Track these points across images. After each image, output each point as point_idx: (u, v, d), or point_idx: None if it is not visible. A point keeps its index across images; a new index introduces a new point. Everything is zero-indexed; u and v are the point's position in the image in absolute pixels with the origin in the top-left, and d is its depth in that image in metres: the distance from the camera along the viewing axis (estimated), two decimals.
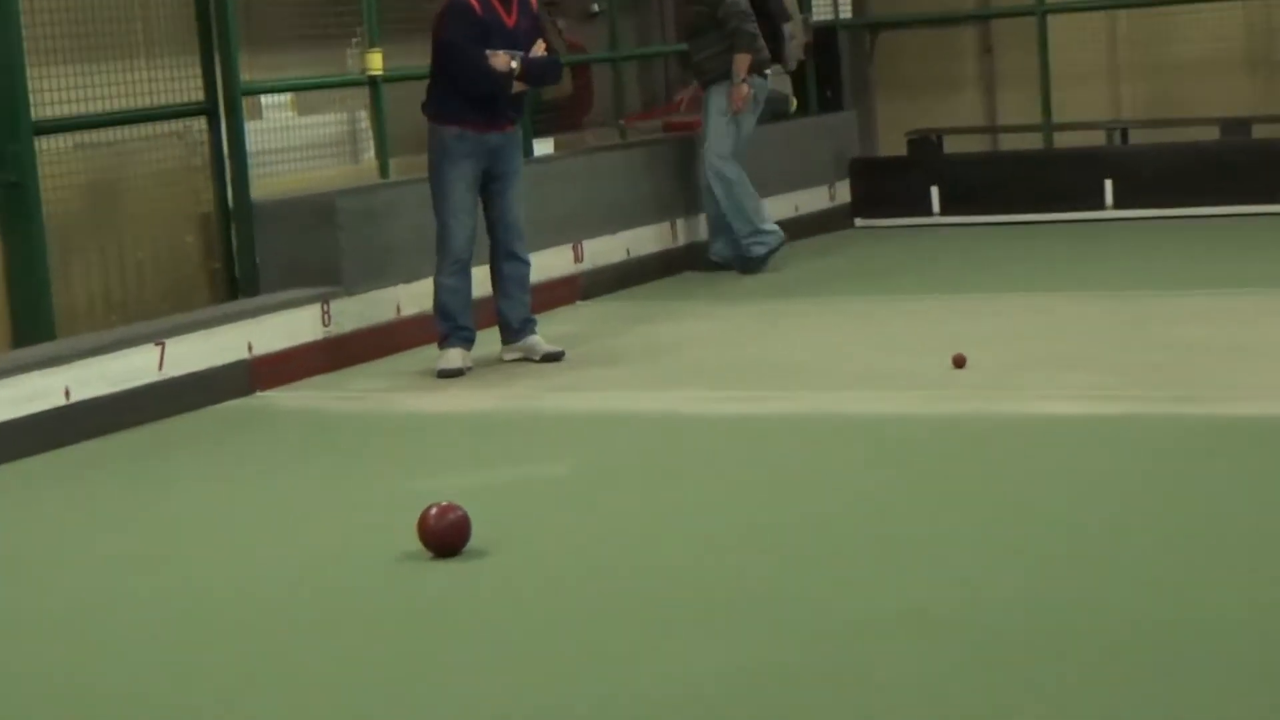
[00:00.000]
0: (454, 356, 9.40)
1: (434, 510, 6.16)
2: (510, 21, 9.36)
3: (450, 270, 9.46)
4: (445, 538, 6.14)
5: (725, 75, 12.06)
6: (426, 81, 9.68)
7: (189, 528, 6.96)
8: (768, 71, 12.45)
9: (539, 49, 9.40)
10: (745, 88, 12.06)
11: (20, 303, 9.06)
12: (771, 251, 12.10)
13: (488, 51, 9.25)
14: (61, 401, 8.45)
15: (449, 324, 9.50)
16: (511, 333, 9.61)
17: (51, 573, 6.40)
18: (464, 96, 9.37)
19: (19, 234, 8.98)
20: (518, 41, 9.33)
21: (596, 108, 13.54)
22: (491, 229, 9.56)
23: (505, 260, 9.59)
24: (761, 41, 12.28)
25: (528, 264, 9.68)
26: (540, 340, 9.58)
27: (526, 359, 9.54)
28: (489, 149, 9.41)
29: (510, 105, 9.49)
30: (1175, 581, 5.40)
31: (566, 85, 13.15)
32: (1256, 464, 6.67)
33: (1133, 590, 5.32)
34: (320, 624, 5.60)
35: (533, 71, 9.37)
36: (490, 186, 9.48)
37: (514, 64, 9.25)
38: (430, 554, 6.11)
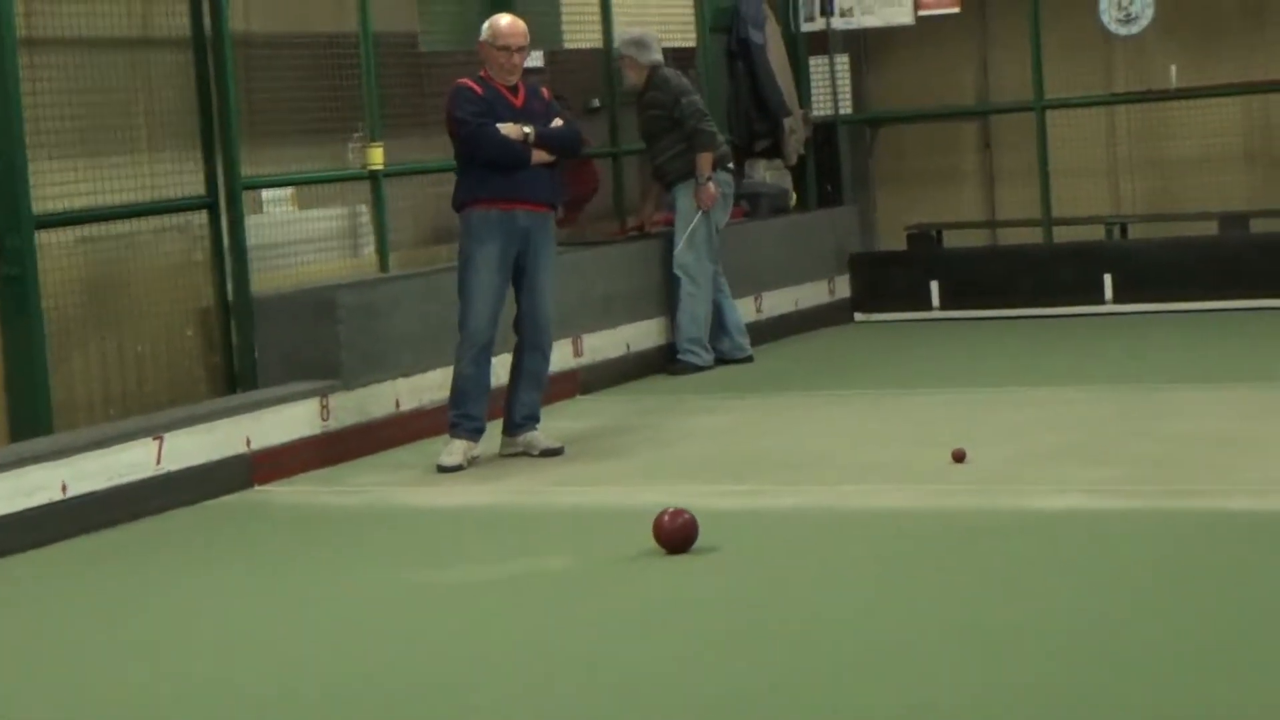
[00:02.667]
0: (457, 450, 9.40)
1: (666, 516, 7.29)
2: (518, 103, 9.45)
3: (468, 356, 9.46)
4: (677, 536, 7.27)
5: (688, 175, 12.15)
6: (453, 177, 9.80)
7: (186, 622, 6.92)
8: (730, 166, 12.56)
9: (556, 124, 9.49)
10: (711, 186, 12.13)
11: (18, 396, 9.04)
12: (697, 369, 12.13)
13: (498, 125, 9.34)
14: (59, 496, 8.40)
15: (457, 412, 9.48)
16: (512, 426, 9.61)
17: (49, 666, 6.36)
18: (488, 173, 9.41)
19: (18, 327, 8.98)
20: (531, 120, 9.43)
21: (600, 202, 13.54)
22: (519, 321, 9.60)
23: (528, 353, 9.63)
24: (721, 138, 12.45)
25: (548, 361, 9.74)
26: (540, 435, 9.57)
27: (525, 454, 9.53)
28: (518, 229, 9.43)
29: (538, 183, 9.51)
30: (1181, 678, 5.37)
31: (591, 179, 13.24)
32: (1256, 559, 6.66)
33: (1140, 687, 5.29)
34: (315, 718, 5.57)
35: (549, 139, 9.40)
36: (520, 278, 9.51)
37: (526, 130, 9.32)
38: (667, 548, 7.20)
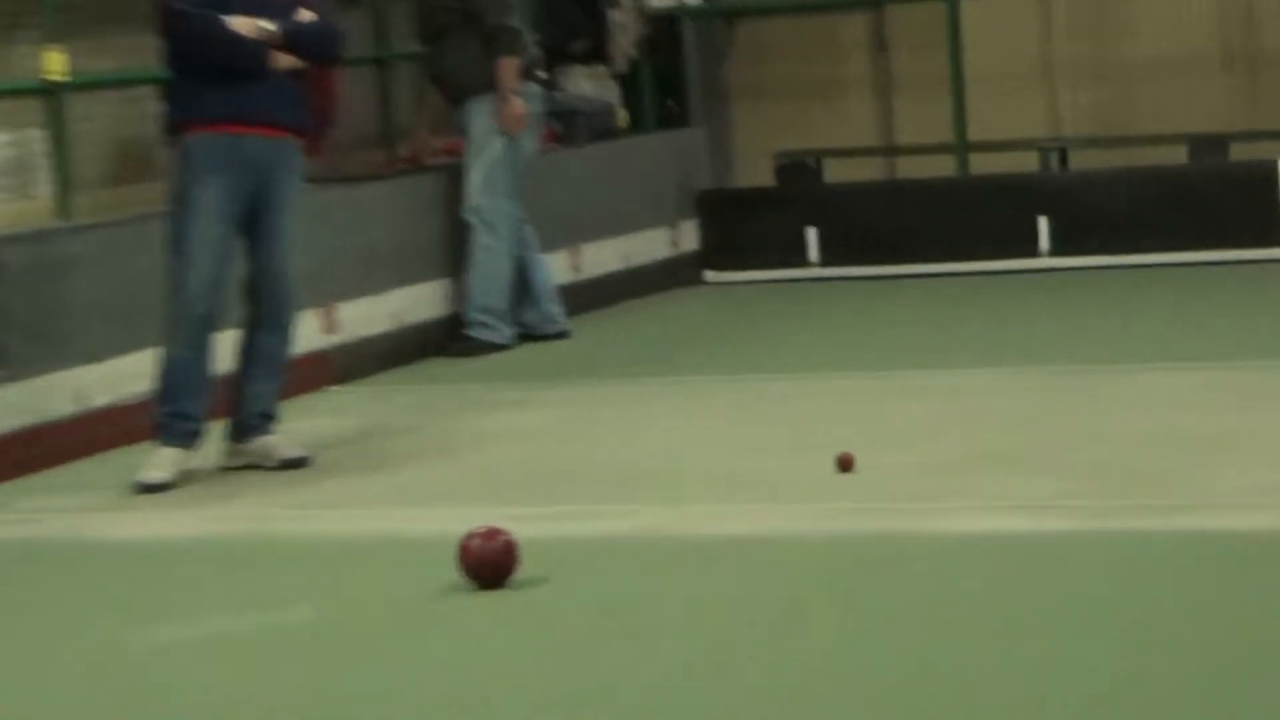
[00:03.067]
0: (164, 460, 9.44)
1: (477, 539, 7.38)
2: None
3: (181, 334, 9.51)
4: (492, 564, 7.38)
5: (486, 88, 12.27)
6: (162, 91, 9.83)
7: None
8: (540, 74, 12.76)
9: (304, 17, 9.54)
10: (518, 102, 12.27)
11: None
12: (494, 348, 12.31)
13: (228, 18, 9.38)
14: None
15: (167, 409, 9.52)
16: (241, 430, 9.65)
17: None
18: (212, 85, 9.42)
19: None
20: (270, 12, 9.47)
21: (361, 125, 13.52)
22: (252, 284, 9.61)
23: (265, 329, 9.65)
24: (529, 40, 12.60)
25: (289, 341, 9.77)
26: (279, 441, 9.64)
27: (259, 465, 9.57)
28: (250, 159, 9.48)
29: (281, 99, 9.56)
30: None
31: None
32: (1243, 591, 6.71)
33: None
34: None
35: (298, 38, 9.46)
36: (254, 227, 9.52)
37: (269, 27, 9.36)
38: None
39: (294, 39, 9.40)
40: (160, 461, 9.40)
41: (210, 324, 9.51)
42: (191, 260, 9.42)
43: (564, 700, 6.31)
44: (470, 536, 7.48)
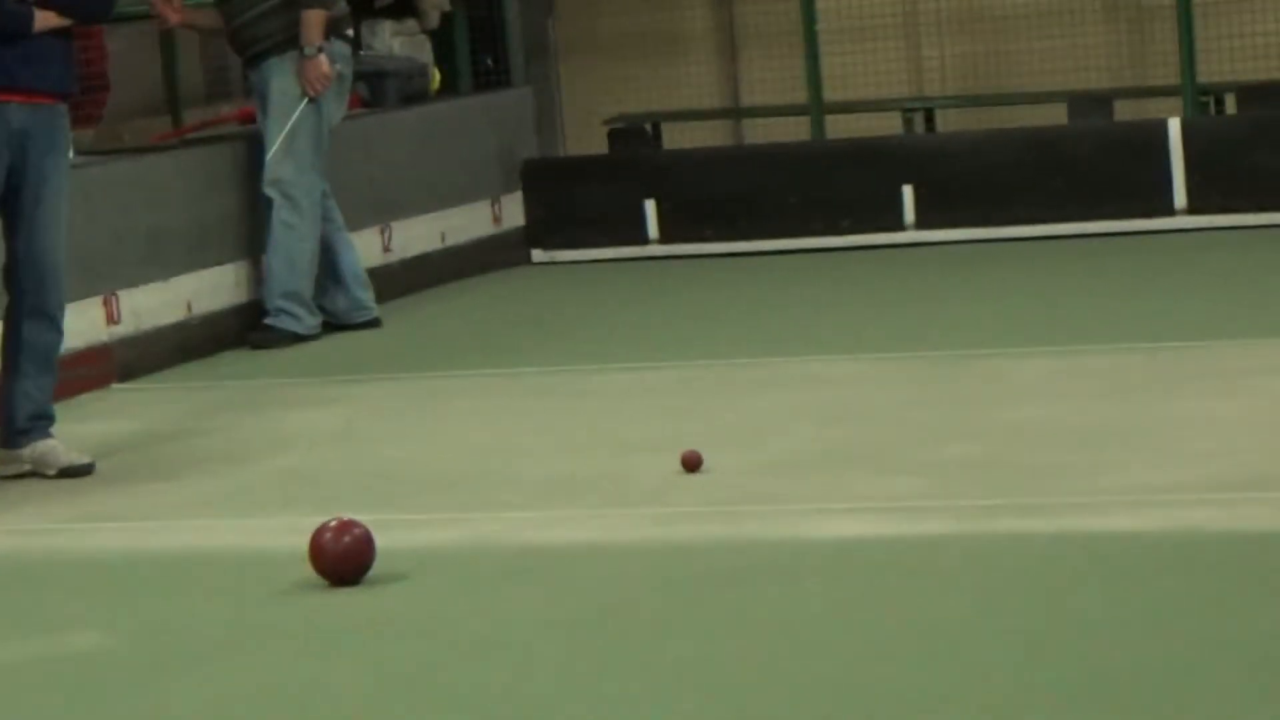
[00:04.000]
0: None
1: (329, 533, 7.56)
2: None
3: None
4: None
5: (287, 45, 12.28)
6: None
7: None
8: (348, 32, 12.72)
9: None
10: (324, 60, 12.27)
11: None
12: (297, 339, 12.33)
13: None
14: None
15: None
16: (13, 433, 9.62)
17: None
18: None
19: None
20: None
21: (141, 90, 13.51)
22: (12, 271, 9.59)
23: (29, 319, 9.59)
24: None
25: (59, 331, 9.72)
26: (58, 445, 9.60)
27: (35, 473, 9.54)
28: (11, 131, 9.42)
29: (45, 61, 9.48)
30: None
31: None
32: (1134, 600, 6.76)
33: None
34: None
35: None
36: (13, 204, 9.48)
37: None
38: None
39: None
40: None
41: None
42: None
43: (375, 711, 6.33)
44: (321, 531, 7.56)
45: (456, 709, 6.52)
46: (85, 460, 9.57)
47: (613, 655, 6.84)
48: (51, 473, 9.50)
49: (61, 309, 9.69)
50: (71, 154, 10.06)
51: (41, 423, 9.59)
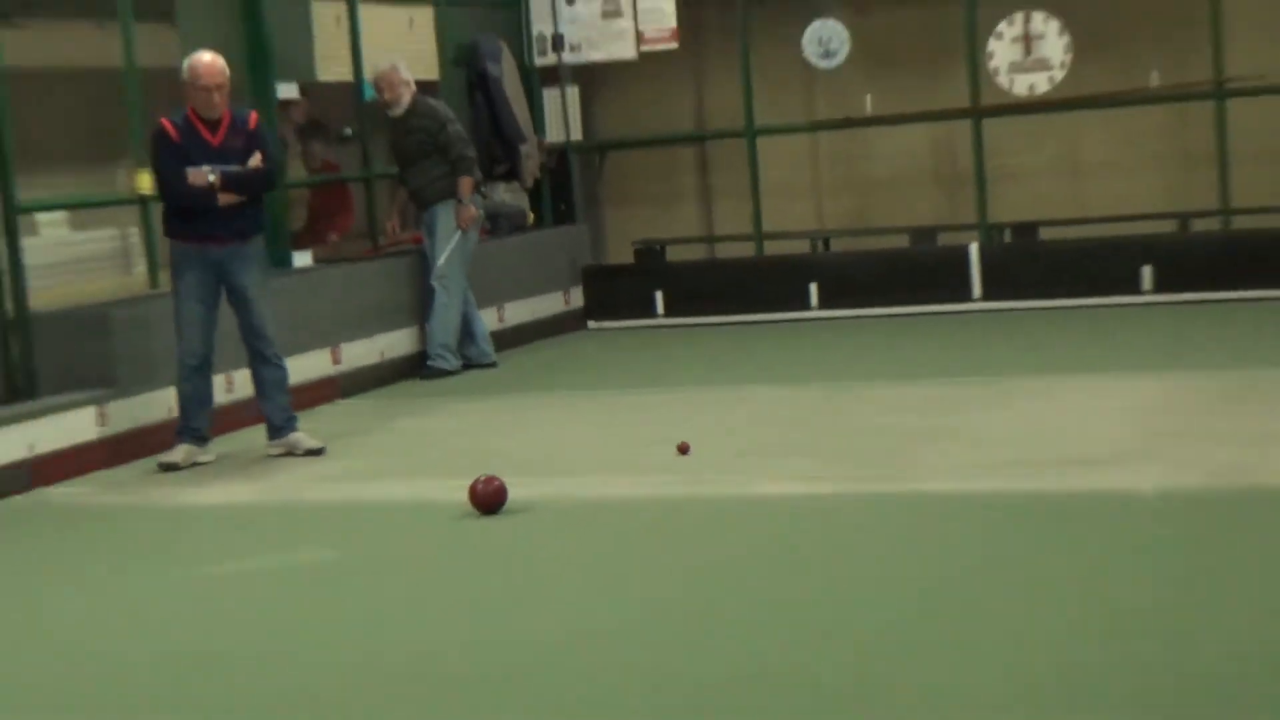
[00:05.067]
0: (177, 453, 9.41)
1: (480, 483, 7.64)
2: (215, 140, 9.24)
3: (183, 374, 9.41)
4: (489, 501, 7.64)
5: (448, 196, 12.09)
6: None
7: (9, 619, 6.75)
8: (483, 189, 12.58)
9: (255, 161, 9.29)
10: (472, 208, 12.14)
11: None
12: (446, 374, 12.09)
13: (187, 169, 9.15)
14: None
15: (181, 422, 9.47)
16: (274, 430, 9.55)
17: None
18: (181, 214, 9.26)
19: None
20: (226, 158, 9.22)
21: (350, 223, 13.49)
22: (243, 337, 9.46)
23: (259, 365, 9.51)
24: (477, 165, 12.40)
25: (281, 368, 9.58)
26: (303, 436, 9.52)
27: (290, 454, 9.48)
28: (213, 262, 9.29)
29: (228, 219, 9.33)
30: (884, 645, 5.46)
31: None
32: (951, 536, 6.80)
33: (843, 652, 5.38)
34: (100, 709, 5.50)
35: (235, 183, 9.23)
36: (231, 298, 9.37)
37: (211, 178, 9.14)
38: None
39: (234, 182, 9.19)
40: (175, 451, 9.36)
41: (204, 368, 9.40)
42: (181, 329, 9.31)
43: (509, 595, 6.35)
44: (478, 484, 7.63)
45: (548, 586, 6.51)
46: (320, 445, 9.49)
47: (625, 561, 6.84)
48: (299, 453, 9.44)
49: (276, 352, 9.57)
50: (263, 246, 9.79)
51: (291, 422, 9.50)
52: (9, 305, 9.79)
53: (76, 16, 11.01)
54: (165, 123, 9.25)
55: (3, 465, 9.03)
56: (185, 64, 9.26)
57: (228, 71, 9.29)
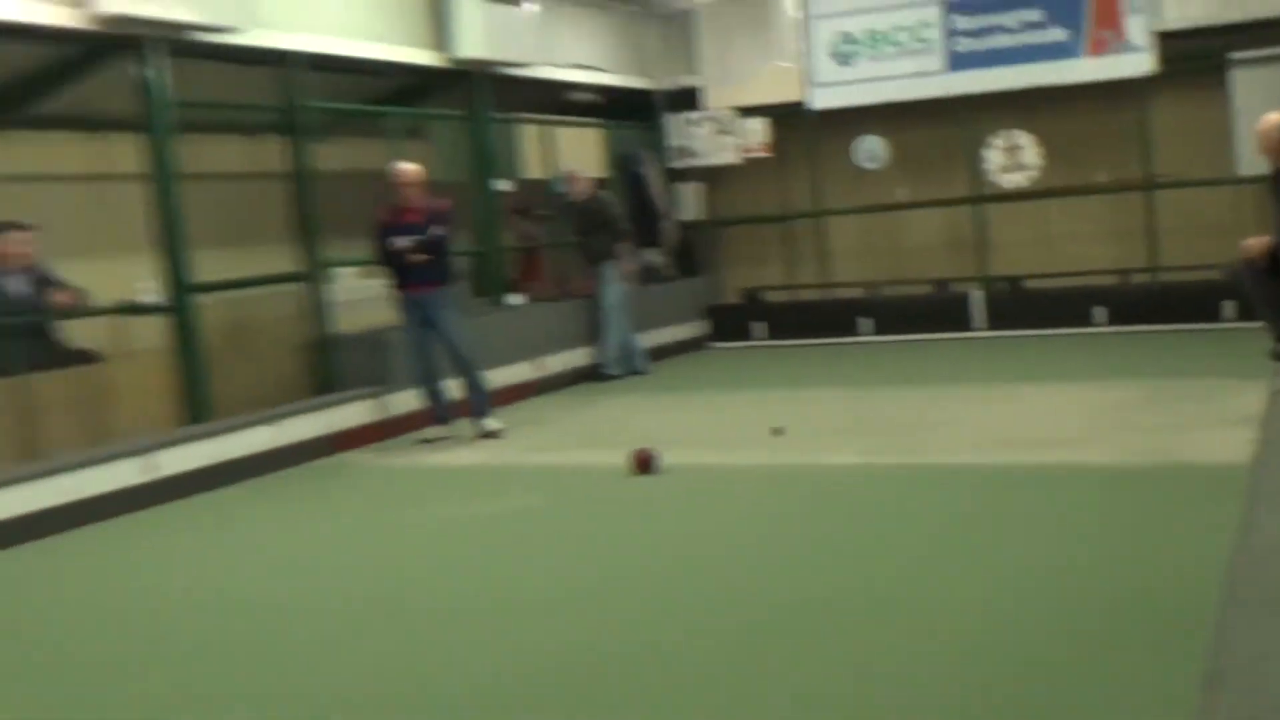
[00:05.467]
0: (430, 431, 9.40)
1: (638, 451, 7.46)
2: (414, 218, 9.10)
3: (415, 382, 9.38)
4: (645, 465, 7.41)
5: (612, 255, 12.03)
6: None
7: (319, 539, 6.74)
8: (637, 252, 12.52)
9: (433, 231, 9.11)
10: (629, 264, 12.18)
11: (189, 395, 8.83)
12: (613, 378, 11.92)
13: (394, 238, 9.07)
14: (219, 459, 8.33)
15: (428, 412, 9.44)
16: (477, 416, 9.44)
17: (225, 575, 6.10)
18: (394, 269, 9.14)
19: (189, 351, 8.82)
20: (422, 230, 9.08)
21: (546, 275, 13.53)
22: (446, 354, 9.31)
23: (460, 376, 9.39)
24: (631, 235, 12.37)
25: (476, 377, 9.37)
26: (490, 422, 9.42)
27: (492, 435, 9.35)
28: (417, 303, 9.17)
29: (422, 273, 9.11)
30: (907, 568, 5.32)
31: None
32: (952, 493, 6.66)
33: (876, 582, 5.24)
34: (386, 608, 5.36)
35: (425, 246, 9.05)
36: (433, 330, 9.21)
37: (405, 244, 9.03)
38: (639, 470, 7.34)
39: (422, 247, 9.01)
40: (431, 431, 9.36)
41: (430, 377, 9.30)
42: (409, 354, 9.27)
43: (678, 530, 6.25)
44: (636, 451, 7.56)
45: (684, 522, 6.44)
46: (501, 427, 9.35)
47: (734, 506, 6.73)
48: (488, 432, 9.32)
49: (471, 369, 9.31)
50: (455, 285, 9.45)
51: (484, 412, 9.38)
52: (321, 330, 9.90)
53: (365, 136, 11.08)
54: (380, 207, 9.23)
55: (314, 438, 9.12)
56: (392, 169, 9.20)
57: (419, 173, 9.21)
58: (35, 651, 5.18)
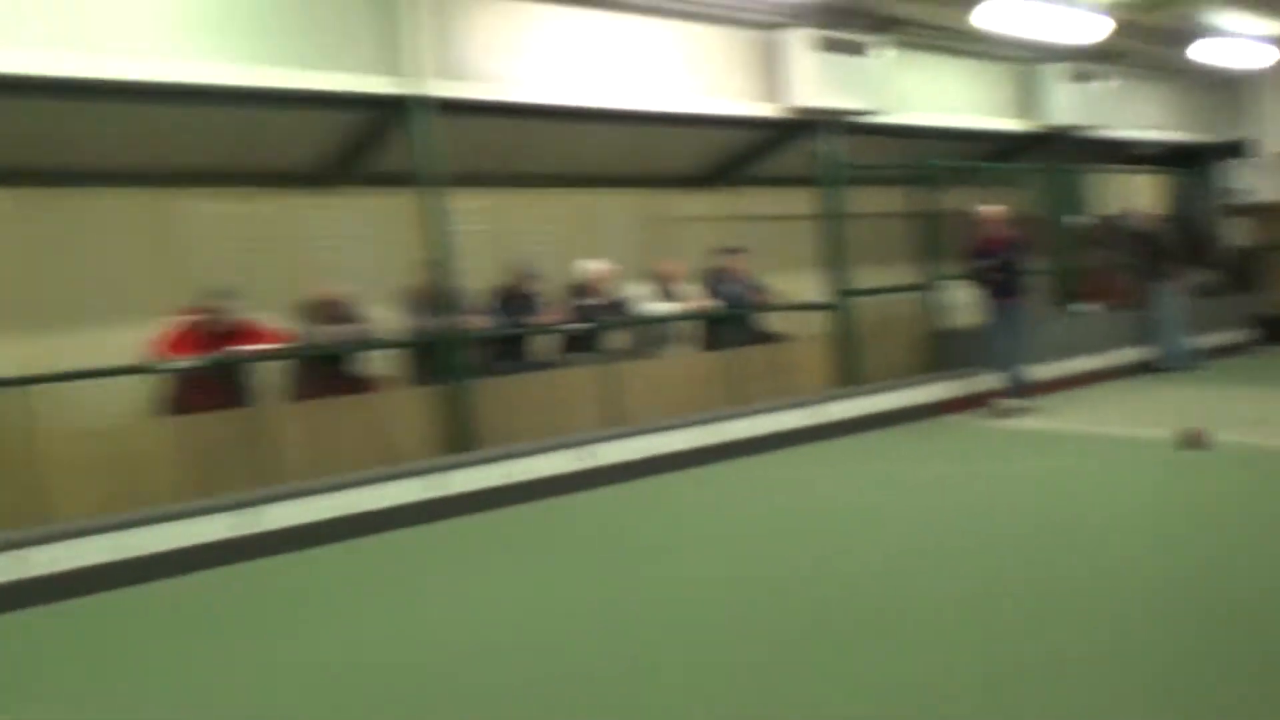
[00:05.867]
0: (1006, 404, 9.83)
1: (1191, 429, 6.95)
2: (996, 246, 9.37)
3: (997, 367, 9.80)
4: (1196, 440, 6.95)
5: (1166, 275, 11.88)
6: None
7: (934, 475, 7.14)
8: (1186, 272, 12.19)
9: (1009, 257, 9.31)
10: (1179, 282, 11.79)
11: (842, 368, 9.86)
12: (1167, 371, 11.75)
13: (980, 261, 9.46)
14: (867, 412, 9.28)
15: (1006, 390, 9.87)
16: (1013, 395, 9.75)
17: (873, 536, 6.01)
18: (981, 284, 9.34)
19: (845, 337, 9.94)
20: (1000, 256, 9.43)
21: (1117, 289, 12.79)
22: (1015, 348, 9.49)
23: (1015, 367, 9.56)
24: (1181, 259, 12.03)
25: (1012, 366, 9.47)
26: (1023, 403, 9.67)
27: (1020, 412, 9.56)
28: (999, 309, 9.49)
29: (1000, 286, 9.40)
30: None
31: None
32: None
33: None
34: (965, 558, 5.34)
35: (1000, 268, 9.22)
36: (1011, 329, 9.39)
37: (988, 265, 9.33)
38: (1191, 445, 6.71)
39: (999, 268, 9.05)
40: (1006, 403, 9.73)
41: (1007, 364, 9.44)
42: (991, 344, 9.29)
43: (1196, 493, 6.11)
44: (1189, 429, 7.24)
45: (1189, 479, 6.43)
46: (1030, 405, 9.50)
47: (1139, 471, 6.62)
48: (1021, 408, 9.57)
49: (1011, 361, 9.54)
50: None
51: (1020, 394, 9.71)
52: (934, 325, 10.52)
53: (972, 185, 11.40)
54: (972, 239, 9.43)
55: (927, 403, 9.90)
56: (978, 209, 9.75)
57: (1000, 212, 9.51)
58: (785, 525, 5.86)
